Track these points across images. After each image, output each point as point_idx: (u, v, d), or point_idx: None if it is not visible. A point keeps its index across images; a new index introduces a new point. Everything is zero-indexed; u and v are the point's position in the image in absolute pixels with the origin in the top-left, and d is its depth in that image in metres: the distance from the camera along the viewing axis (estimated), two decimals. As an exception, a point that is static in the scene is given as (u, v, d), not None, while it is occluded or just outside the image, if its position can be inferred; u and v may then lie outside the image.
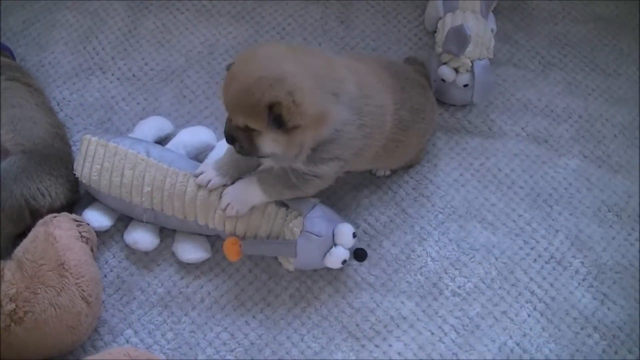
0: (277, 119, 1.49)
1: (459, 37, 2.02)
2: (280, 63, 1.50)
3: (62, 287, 1.62)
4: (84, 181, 1.85)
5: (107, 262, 1.85)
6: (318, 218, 1.75)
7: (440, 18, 2.23)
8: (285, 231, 1.76)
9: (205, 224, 1.79)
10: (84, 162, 1.83)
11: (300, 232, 1.73)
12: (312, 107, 1.50)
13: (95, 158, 1.82)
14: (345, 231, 1.76)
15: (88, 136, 1.85)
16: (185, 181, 1.77)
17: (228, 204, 1.74)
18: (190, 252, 1.83)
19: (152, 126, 1.97)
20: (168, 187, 1.77)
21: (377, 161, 1.85)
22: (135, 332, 1.76)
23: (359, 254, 1.79)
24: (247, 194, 1.73)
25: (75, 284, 1.63)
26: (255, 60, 1.52)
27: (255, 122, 1.53)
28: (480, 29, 2.12)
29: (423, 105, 1.86)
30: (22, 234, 1.75)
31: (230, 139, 1.60)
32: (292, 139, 1.54)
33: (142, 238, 1.84)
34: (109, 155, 1.81)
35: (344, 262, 1.77)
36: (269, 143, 1.56)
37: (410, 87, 1.84)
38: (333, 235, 1.75)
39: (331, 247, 1.76)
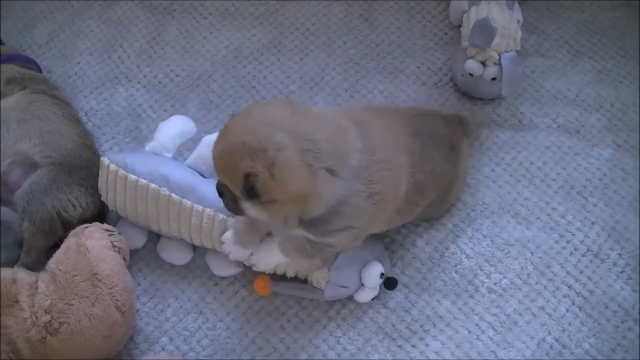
0: (251, 189, 1.39)
1: (485, 30, 1.99)
2: (269, 131, 1.38)
3: (96, 298, 1.61)
4: (110, 207, 1.84)
5: (140, 270, 1.85)
6: (342, 269, 1.72)
7: (465, 11, 2.21)
8: (312, 277, 1.76)
9: None
10: (107, 189, 1.82)
11: (326, 283, 1.73)
12: (295, 184, 1.39)
13: (117, 189, 1.79)
14: (372, 274, 1.73)
15: (107, 161, 1.80)
16: (210, 222, 1.74)
17: (254, 264, 1.75)
18: (224, 268, 1.82)
19: (174, 131, 1.90)
20: (194, 223, 1.75)
21: (392, 223, 1.76)
22: (171, 339, 1.76)
23: (389, 284, 1.77)
24: (270, 257, 1.72)
25: (109, 293, 1.63)
26: (246, 123, 1.41)
27: (232, 186, 1.44)
28: (506, 21, 2.09)
29: (445, 170, 1.76)
30: (55, 246, 1.75)
31: (219, 193, 1.53)
32: (270, 211, 1.45)
33: (176, 254, 1.85)
34: (130, 188, 1.78)
35: (374, 298, 1.78)
36: (249, 209, 1.47)
37: (434, 148, 1.72)
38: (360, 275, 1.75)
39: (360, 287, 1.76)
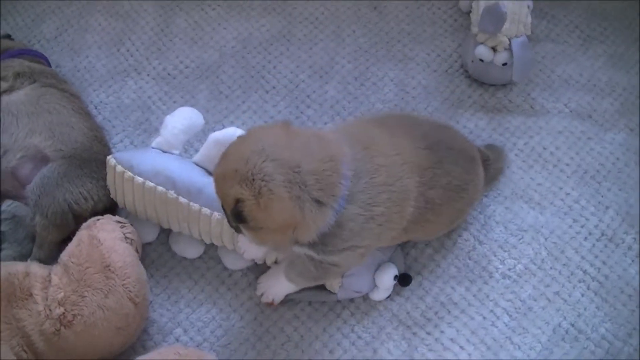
0: (239, 214, 1.43)
1: (495, 16, 1.98)
2: (259, 160, 1.41)
3: (109, 289, 1.61)
4: (119, 205, 1.84)
5: (153, 262, 1.85)
6: (355, 276, 1.72)
7: (475, -2, 2.20)
8: (325, 282, 1.75)
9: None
10: (115, 189, 1.81)
11: (340, 287, 1.72)
12: (280, 214, 1.42)
13: (125, 190, 1.78)
14: (386, 278, 1.73)
15: (113, 162, 1.79)
16: (218, 225, 1.73)
17: (263, 293, 1.75)
18: (236, 261, 1.82)
19: (180, 127, 1.85)
20: (203, 227, 1.75)
21: (398, 240, 1.75)
22: (185, 330, 1.76)
23: (403, 280, 1.77)
24: (278, 286, 1.72)
25: (122, 285, 1.62)
26: (241, 149, 1.45)
27: (226, 208, 1.49)
28: (516, 6, 2.07)
29: (465, 182, 1.71)
30: (67, 239, 1.74)
31: (222, 209, 1.55)
32: (258, 237, 1.50)
33: (188, 247, 1.85)
34: (137, 190, 1.76)
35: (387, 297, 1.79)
36: (243, 230, 1.52)
37: (452, 160, 1.68)
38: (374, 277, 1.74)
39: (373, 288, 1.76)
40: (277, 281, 1.71)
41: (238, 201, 1.43)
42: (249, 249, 1.73)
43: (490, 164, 1.87)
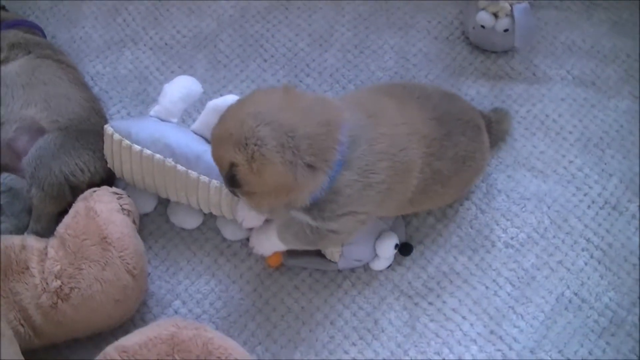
0: (233, 178, 1.45)
1: (497, -19, 1.95)
2: (254, 124, 1.41)
3: (106, 262, 1.60)
4: (117, 175, 1.82)
5: (151, 233, 1.83)
6: (356, 244, 1.70)
7: (476, -37, 2.17)
8: (325, 251, 1.73)
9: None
10: (112, 158, 1.78)
11: (340, 256, 1.71)
12: (272, 178, 1.42)
13: (123, 159, 1.76)
14: (387, 246, 1.71)
15: (110, 130, 1.76)
16: (217, 193, 1.71)
17: (254, 247, 1.73)
18: (235, 232, 1.80)
19: (179, 95, 1.83)
20: (202, 194, 1.72)
21: (403, 210, 1.74)
22: (184, 302, 1.74)
23: (404, 250, 1.75)
24: (269, 242, 1.70)
25: (119, 257, 1.61)
26: (238, 112, 1.46)
27: (221, 172, 1.51)
28: (518, -29, 2.04)
29: (472, 151, 1.70)
30: (64, 212, 1.73)
31: (219, 169, 1.56)
32: (252, 201, 1.51)
33: (186, 218, 1.83)
34: (135, 158, 1.74)
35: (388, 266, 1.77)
36: (238, 194, 1.54)
37: (460, 131, 1.68)
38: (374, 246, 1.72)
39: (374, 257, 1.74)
40: (267, 240, 1.69)
41: (232, 165, 1.44)
42: (247, 217, 1.71)
43: (492, 126, 1.86)
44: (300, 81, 2.09)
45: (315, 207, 1.51)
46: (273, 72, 2.11)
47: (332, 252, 1.71)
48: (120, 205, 1.69)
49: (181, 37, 2.20)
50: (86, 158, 1.80)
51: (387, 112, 1.59)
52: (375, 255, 1.73)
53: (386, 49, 2.15)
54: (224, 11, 2.25)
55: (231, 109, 1.49)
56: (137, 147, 1.73)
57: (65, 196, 1.77)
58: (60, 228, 1.67)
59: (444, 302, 1.73)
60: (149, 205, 1.85)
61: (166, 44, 2.18)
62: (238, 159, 1.42)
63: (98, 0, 2.30)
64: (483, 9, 2.03)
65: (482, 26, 2.04)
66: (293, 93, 1.50)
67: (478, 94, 2.03)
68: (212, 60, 2.14)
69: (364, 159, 1.50)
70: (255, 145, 1.40)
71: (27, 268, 1.59)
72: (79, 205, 1.68)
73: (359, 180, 1.50)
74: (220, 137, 1.47)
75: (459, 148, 1.67)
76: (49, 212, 1.78)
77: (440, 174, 1.64)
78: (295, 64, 2.13)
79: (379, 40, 2.17)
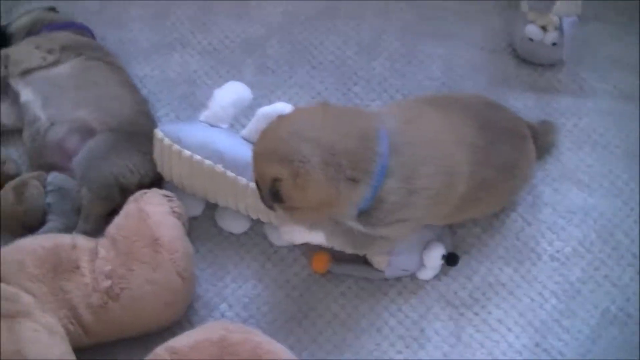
0: (276, 194, 1.47)
1: (546, -6, 1.96)
2: (297, 141, 1.44)
3: (157, 264, 1.61)
4: (165, 178, 1.83)
5: (198, 237, 1.84)
6: (403, 254, 1.71)
7: (525, -25, 2.17)
8: (372, 259, 1.74)
9: None
10: (162, 163, 1.80)
11: (387, 265, 1.72)
12: (316, 194, 1.45)
13: (172, 163, 1.77)
14: (434, 256, 1.72)
15: (160, 134, 1.77)
16: None
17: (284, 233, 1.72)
18: (282, 237, 1.80)
19: (229, 100, 1.84)
20: (250, 202, 1.73)
21: (450, 219, 1.75)
22: (230, 306, 1.75)
23: (451, 260, 1.75)
24: (302, 232, 1.68)
25: (170, 259, 1.62)
26: (280, 130, 1.49)
27: (262, 187, 1.52)
28: (568, -15, 2.05)
29: (517, 159, 1.72)
30: (112, 213, 1.74)
31: (257, 186, 1.58)
32: (293, 216, 1.54)
33: (233, 222, 1.84)
34: (184, 163, 1.75)
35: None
36: (278, 209, 1.55)
37: (505, 140, 1.69)
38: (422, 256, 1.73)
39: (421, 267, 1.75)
40: (302, 230, 1.68)
41: (275, 180, 1.45)
42: (294, 233, 1.69)
43: (539, 137, 1.85)
44: (349, 89, 2.10)
45: (363, 216, 1.53)
46: (321, 79, 2.12)
47: (379, 260, 1.72)
48: (171, 208, 1.70)
49: (229, 42, 2.21)
50: (136, 160, 1.82)
51: (427, 118, 1.61)
52: (422, 265, 1.73)
53: (434, 59, 2.15)
54: (272, 17, 2.26)
55: (272, 126, 1.52)
56: (187, 152, 1.74)
57: (114, 197, 1.79)
58: (111, 228, 1.68)
59: (490, 312, 1.73)
60: (196, 209, 1.86)
61: (215, 48, 2.20)
62: (282, 175, 1.44)
63: (145, 1, 2.32)
64: (531, 22, 2.03)
65: (530, 39, 2.04)
66: (330, 109, 1.53)
67: (525, 106, 2.03)
68: (261, 65, 2.15)
69: (407, 166, 1.51)
70: (301, 162, 1.42)
71: (78, 267, 1.60)
72: (130, 207, 1.69)
73: (402, 187, 1.51)
74: (263, 153, 1.50)
75: (504, 156, 1.68)
76: (98, 212, 1.79)
77: (487, 182, 1.65)
78: (343, 72, 2.13)
79: (426, 49, 2.17)
